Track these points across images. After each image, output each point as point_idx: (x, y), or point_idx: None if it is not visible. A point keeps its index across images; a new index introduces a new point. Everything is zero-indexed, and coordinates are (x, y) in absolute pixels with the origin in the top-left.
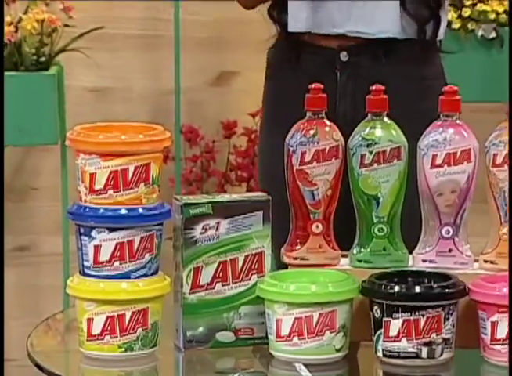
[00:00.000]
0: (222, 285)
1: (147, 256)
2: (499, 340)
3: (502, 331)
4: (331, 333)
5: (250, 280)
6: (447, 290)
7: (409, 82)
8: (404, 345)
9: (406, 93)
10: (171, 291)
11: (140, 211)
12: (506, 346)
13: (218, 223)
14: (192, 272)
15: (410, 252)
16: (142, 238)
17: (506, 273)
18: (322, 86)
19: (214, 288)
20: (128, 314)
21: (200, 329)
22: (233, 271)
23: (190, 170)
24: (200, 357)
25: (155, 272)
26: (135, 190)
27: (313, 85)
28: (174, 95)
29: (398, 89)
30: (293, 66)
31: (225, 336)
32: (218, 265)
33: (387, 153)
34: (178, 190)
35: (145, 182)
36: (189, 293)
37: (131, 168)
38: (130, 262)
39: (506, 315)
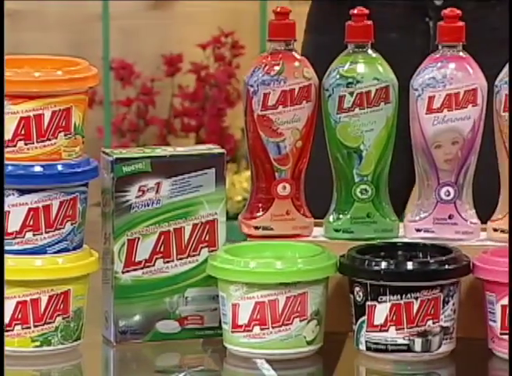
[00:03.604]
0: (164, 262)
1: (68, 226)
2: None
3: None
4: (301, 321)
5: (199, 255)
6: (446, 266)
7: None
8: (392, 335)
9: None
10: (99, 269)
11: (59, 168)
12: None
13: (159, 184)
14: (125, 245)
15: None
16: (61, 203)
17: None
18: (288, 9)
19: (153, 266)
20: (45, 299)
21: (136, 317)
22: (178, 244)
23: (123, 117)
24: (135, 353)
25: (78, 246)
26: (52, 142)
27: (278, 8)
28: (101, 21)
29: None
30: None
31: (168, 326)
32: (159, 237)
33: (372, 94)
34: (108, 142)
35: (65, 132)
36: (123, 272)
37: (47, 114)
38: (46, 233)
39: None
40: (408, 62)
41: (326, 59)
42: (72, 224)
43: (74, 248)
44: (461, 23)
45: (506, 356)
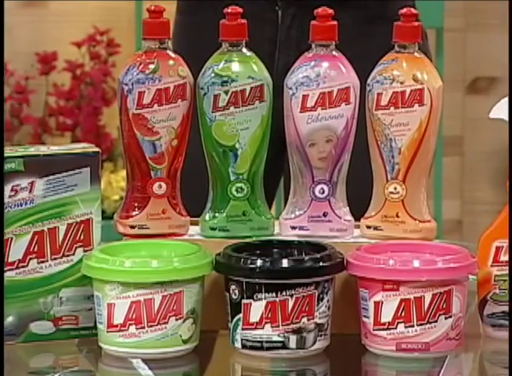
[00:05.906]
0: (38, 262)
1: None
2: (384, 324)
3: (387, 314)
4: (177, 320)
5: (74, 254)
6: (321, 263)
7: (375, 25)
8: (268, 332)
9: (372, 41)
10: None
11: None
12: (392, 332)
13: (32, 183)
14: None
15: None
16: None
17: (393, 242)
18: (162, 7)
19: (27, 266)
20: None
21: (10, 318)
22: (52, 244)
23: None
24: (9, 354)
25: None
26: None
27: (152, 7)
28: None
29: (361, 35)
30: (214, 1)
31: (42, 326)
32: (33, 237)
33: (247, 93)
34: None
35: None
36: None
37: None
38: None
39: (393, 293)
40: (257, 49)
41: (193, 40)
42: None
43: None
44: (334, 22)
45: (378, 352)
